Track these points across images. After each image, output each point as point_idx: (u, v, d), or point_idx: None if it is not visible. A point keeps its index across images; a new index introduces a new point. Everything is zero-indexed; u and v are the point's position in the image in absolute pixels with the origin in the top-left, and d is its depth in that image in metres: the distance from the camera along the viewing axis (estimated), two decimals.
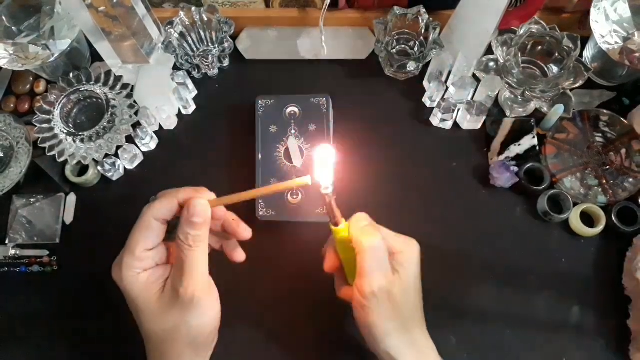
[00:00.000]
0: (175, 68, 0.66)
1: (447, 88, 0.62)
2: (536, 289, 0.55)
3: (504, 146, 0.60)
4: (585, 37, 0.62)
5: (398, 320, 0.43)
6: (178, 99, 0.64)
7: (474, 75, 0.62)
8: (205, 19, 0.64)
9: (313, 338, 0.54)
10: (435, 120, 0.63)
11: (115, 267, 0.42)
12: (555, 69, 0.60)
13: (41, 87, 0.69)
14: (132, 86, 0.64)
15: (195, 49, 0.67)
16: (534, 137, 0.60)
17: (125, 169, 0.63)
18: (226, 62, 0.68)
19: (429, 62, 0.65)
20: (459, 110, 0.61)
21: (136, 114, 0.62)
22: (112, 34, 0.61)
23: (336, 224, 0.43)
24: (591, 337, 0.53)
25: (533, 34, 0.58)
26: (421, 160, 0.62)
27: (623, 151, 0.59)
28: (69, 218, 0.61)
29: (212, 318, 0.43)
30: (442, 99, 0.62)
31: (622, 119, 0.60)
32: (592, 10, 0.59)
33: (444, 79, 0.64)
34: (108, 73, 0.63)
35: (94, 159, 0.61)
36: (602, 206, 0.57)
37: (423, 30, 0.63)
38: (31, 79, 0.69)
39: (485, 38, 0.59)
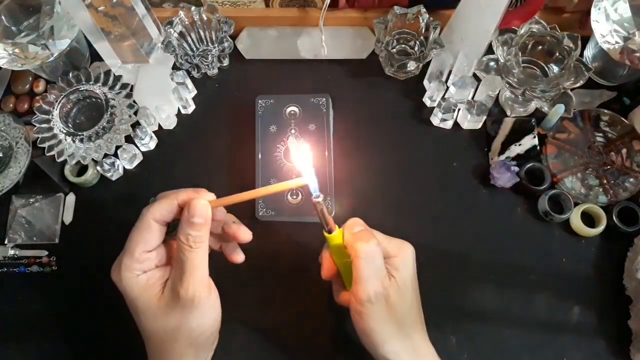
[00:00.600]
0: (175, 68, 0.66)
1: (447, 88, 0.62)
2: (537, 289, 0.55)
3: (505, 146, 0.60)
4: (586, 37, 0.62)
5: (396, 325, 0.43)
6: (177, 98, 0.63)
7: (474, 75, 0.62)
8: (205, 18, 0.64)
9: (313, 338, 0.54)
10: (435, 119, 0.63)
11: (115, 268, 0.42)
12: (555, 68, 0.60)
13: (40, 86, 0.69)
14: (132, 86, 0.64)
15: (194, 48, 0.67)
16: (534, 136, 0.60)
17: (124, 168, 0.63)
18: (226, 62, 0.68)
19: (429, 61, 0.65)
20: (459, 109, 0.61)
21: (135, 113, 0.62)
22: (111, 34, 0.61)
23: (329, 231, 0.43)
24: (591, 337, 0.53)
25: (533, 33, 0.58)
26: (421, 160, 0.62)
27: (624, 151, 0.59)
28: (68, 218, 0.61)
29: (213, 319, 0.43)
30: (443, 98, 0.62)
31: (622, 118, 0.60)
32: (593, 10, 0.59)
33: (444, 78, 0.64)
34: (107, 73, 0.63)
35: (93, 159, 0.61)
36: (603, 206, 0.57)
37: (423, 30, 0.63)
38: (30, 78, 0.69)
39: (486, 37, 0.59)
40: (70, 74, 0.63)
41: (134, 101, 0.63)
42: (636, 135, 0.59)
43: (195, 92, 0.67)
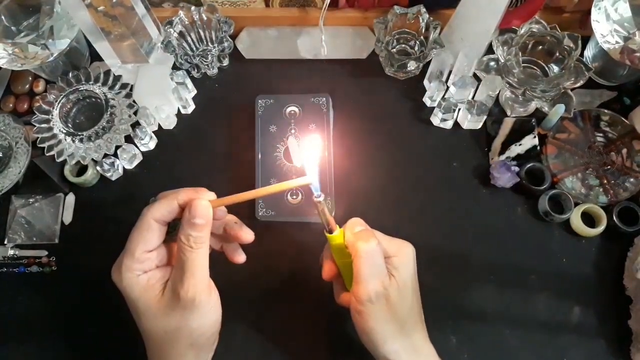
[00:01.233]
0: (175, 67, 0.66)
1: (447, 87, 0.62)
2: (537, 289, 0.55)
3: (505, 146, 0.60)
4: (586, 37, 0.62)
5: (396, 324, 0.43)
6: (177, 98, 0.63)
7: (474, 75, 0.62)
8: (205, 18, 0.64)
9: (313, 338, 0.54)
10: (435, 119, 0.63)
11: (115, 269, 0.42)
12: (556, 68, 0.60)
13: (40, 86, 0.69)
14: (132, 86, 0.64)
15: (194, 48, 0.67)
16: (534, 136, 0.60)
17: (124, 168, 0.63)
18: (226, 62, 0.68)
19: (430, 61, 0.65)
20: (459, 109, 0.61)
21: (135, 113, 0.62)
22: (111, 34, 0.61)
23: (330, 231, 0.43)
24: (592, 338, 0.53)
25: (534, 33, 0.58)
26: (422, 160, 0.62)
27: (624, 151, 0.59)
28: (67, 218, 0.61)
29: (213, 320, 0.43)
30: (443, 98, 0.62)
31: (623, 118, 0.60)
32: (593, 10, 0.59)
33: (444, 78, 0.64)
34: (107, 73, 0.63)
35: (93, 159, 0.61)
36: (603, 206, 0.57)
37: (423, 30, 0.63)
38: (30, 78, 0.69)
39: (486, 37, 0.59)
40: (70, 74, 0.63)
41: (134, 101, 0.63)
42: (636, 135, 0.59)
43: (195, 92, 0.66)
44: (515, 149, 0.60)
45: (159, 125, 0.65)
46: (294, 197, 0.58)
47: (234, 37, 0.69)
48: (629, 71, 0.60)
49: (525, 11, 0.60)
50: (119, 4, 0.58)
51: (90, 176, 0.61)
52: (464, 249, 0.57)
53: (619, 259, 0.56)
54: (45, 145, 0.60)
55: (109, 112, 0.60)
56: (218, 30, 0.64)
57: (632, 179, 0.57)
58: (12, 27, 0.63)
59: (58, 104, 0.61)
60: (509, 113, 0.63)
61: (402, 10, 0.62)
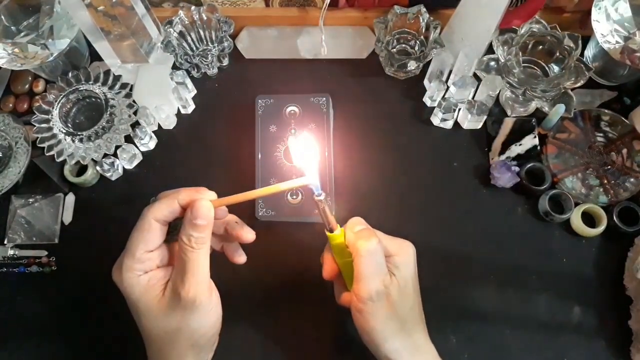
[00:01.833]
0: (175, 67, 0.66)
1: (447, 87, 0.62)
2: (537, 289, 0.55)
3: (505, 146, 0.60)
4: (586, 37, 0.62)
5: (397, 323, 0.43)
6: (177, 98, 0.63)
7: (474, 75, 0.62)
8: (205, 18, 0.64)
9: (313, 338, 0.54)
10: (435, 119, 0.63)
11: (116, 269, 0.42)
12: (556, 68, 0.60)
13: (40, 86, 0.68)
14: (131, 86, 0.64)
15: (194, 48, 0.67)
16: (535, 136, 0.60)
17: (124, 168, 0.63)
18: (226, 62, 0.68)
19: (430, 61, 0.65)
20: (459, 109, 0.61)
21: (135, 113, 0.62)
22: (111, 34, 0.61)
23: (331, 230, 0.43)
24: (592, 338, 0.53)
25: (534, 33, 0.58)
26: (422, 160, 0.61)
27: (624, 151, 0.59)
28: (67, 218, 0.61)
29: (214, 320, 0.43)
30: (443, 98, 0.62)
31: (623, 118, 0.60)
32: (593, 10, 0.58)
33: (444, 78, 0.64)
34: (107, 72, 0.63)
35: (92, 159, 0.61)
36: (604, 206, 0.57)
37: (423, 30, 0.63)
38: (30, 78, 0.69)
39: (486, 37, 0.59)
40: (70, 74, 0.63)
41: (134, 101, 0.63)
42: (637, 135, 0.59)
43: (195, 91, 0.66)
44: (516, 149, 0.60)
45: (159, 125, 0.65)
46: (294, 197, 0.58)
47: (234, 37, 0.69)
48: (629, 71, 0.60)
49: (525, 11, 0.60)
50: (119, 4, 0.57)
51: (90, 176, 0.61)
52: (464, 249, 0.57)
53: (619, 259, 0.56)
54: (45, 145, 0.60)
55: (108, 112, 0.60)
56: (218, 30, 0.64)
57: (632, 179, 0.57)
58: (12, 27, 0.63)
59: (58, 103, 0.61)
60: (509, 113, 0.63)
61: (402, 10, 0.62)
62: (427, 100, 0.64)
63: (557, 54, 0.59)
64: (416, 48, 0.66)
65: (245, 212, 0.57)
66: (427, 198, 0.60)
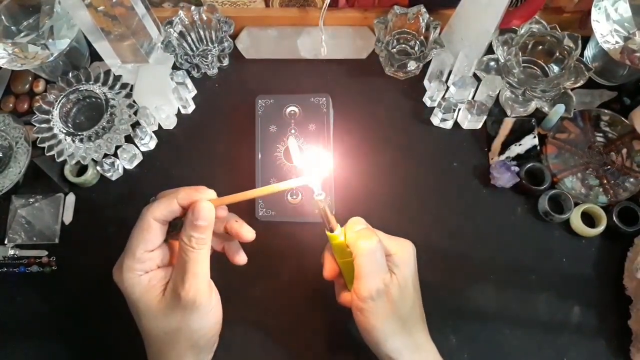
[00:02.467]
0: (175, 67, 0.66)
1: (447, 87, 0.62)
2: (537, 289, 0.55)
3: (505, 146, 0.60)
4: (586, 37, 0.62)
5: (397, 322, 0.43)
6: (177, 98, 0.63)
7: (474, 75, 0.62)
8: (205, 18, 0.64)
9: (313, 338, 0.54)
10: (435, 119, 0.63)
11: (116, 269, 0.42)
12: (556, 68, 0.60)
13: (40, 86, 0.69)
14: (132, 86, 0.64)
15: (194, 48, 0.67)
16: (534, 136, 0.60)
17: (124, 168, 0.63)
18: (226, 62, 0.68)
19: (430, 61, 0.65)
20: (459, 109, 0.61)
21: (135, 113, 0.62)
22: (111, 34, 0.61)
23: (332, 230, 0.43)
24: (592, 338, 0.53)
25: (534, 33, 0.58)
26: (422, 160, 0.62)
27: (624, 151, 0.59)
28: (68, 218, 0.61)
29: (214, 321, 0.43)
30: (443, 98, 0.62)
31: (623, 118, 0.60)
32: (593, 10, 0.58)
33: (444, 78, 0.64)
34: (107, 73, 0.63)
35: (93, 159, 0.61)
36: (603, 206, 0.57)
37: (423, 30, 0.63)
38: (30, 78, 0.69)
39: (486, 37, 0.59)
40: (70, 74, 0.63)
41: (134, 101, 0.63)
42: (636, 135, 0.59)
43: (195, 92, 0.66)
44: (515, 149, 0.60)
45: (159, 125, 0.65)
46: (294, 197, 0.58)
47: (234, 37, 0.69)
48: (629, 71, 0.60)
49: (525, 11, 0.60)
50: (119, 4, 0.58)
51: (90, 176, 0.61)
52: (464, 248, 0.57)
53: (618, 259, 0.56)
54: (46, 145, 0.60)
55: (109, 112, 0.60)
56: (218, 30, 0.64)
57: (632, 179, 0.57)
58: (12, 27, 0.63)
59: (58, 104, 0.61)
60: (509, 113, 0.63)
61: (402, 10, 0.62)
62: (427, 100, 0.64)
63: (557, 54, 0.59)
64: (416, 48, 0.66)
65: (245, 212, 0.57)
66: (426, 198, 0.60)
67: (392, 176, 0.61)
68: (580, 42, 0.56)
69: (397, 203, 0.59)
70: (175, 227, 0.43)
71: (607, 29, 0.58)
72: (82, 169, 0.62)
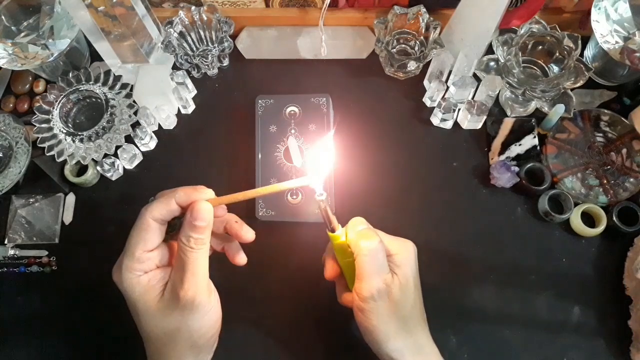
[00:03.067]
0: (175, 68, 0.66)
1: (447, 87, 0.62)
2: (537, 289, 0.55)
3: (505, 146, 0.60)
4: (586, 37, 0.62)
5: (399, 322, 0.43)
6: (177, 98, 0.63)
7: (474, 75, 0.62)
8: (205, 18, 0.64)
9: (313, 338, 0.54)
10: (435, 119, 0.63)
11: (116, 269, 0.42)
12: (556, 68, 0.60)
13: (40, 86, 0.69)
14: (132, 86, 0.64)
15: (194, 48, 0.67)
16: (534, 136, 0.60)
17: (124, 168, 0.63)
18: (226, 62, 0.68)
19: (430, 61, 0.65)
20: (459, 109, 0.61)
21: (135, 113, 0.62)
22: (111, 34, 0.61)
23: (333, 230, 0.43)
24: (592, 337, 0.53)
25: (534, 33, 0.58)
26: (422, 160, 0.62)
27: (624, 151, 0.59)
28: (68, 218, 0.61)
29: (213, 321, 0.43)
30: (443, 98, 0.62)
31: (623, 118, 0.60)
32: (593, 10, 0.59)
33: (444, 78, 0.64)
34: (107, 73, 0.63)
35: (93, 159, 0.61)
36: (603, 206, 0.57)
37: (423, 30, 0.63)
38: (30, 78, 0.69)
39: (486, 37, 0.59)
40: (70, 74, 0.63)
41: (134, 101, 0.63)
42: (636, 135, 0.59)
43: (195, 92, 0.67)
44: (515, 149, 0.60)
45: (159, 125, 0.65)
46: (294, 197, 0.58)
47: (234, 37, 0.69)
48: (628, 71, 0.60)
49: (525, 11, 0.60)
50: (119, 4, 0.58)
51: (90, 176, 0.61)
52: (464, 248, 0.57)
53: (618, 259, 0.56)
54: (46, 145, 0.60)
55: (109, 112, 0.60)
56: (218, 30, 0.64)
57: (631, 179, 0.57)
58: (13, 27, 0.63)
59: (58, 104, 0.61)
60: (508, 113, 0.63)
61: (402, 10, 0.62)
62: (427, 100, 0.64)
63: (557, 54, 0.59)
64: (416, 48, 0.66)
65: (246, 212, 0.58)
66: (427, 198, 0.60)
67: (392, 176, 0.61)
68: (580, 42, 0.56)
69: (397, 203, 0.59)
70: (174, 228, 0.43)
71: (607, 29, 0.58)
72: (82, 169, 0.62)
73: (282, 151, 0.59)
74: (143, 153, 0.64)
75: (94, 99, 0.64)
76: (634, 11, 0.58)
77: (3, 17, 0.62)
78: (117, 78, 0.63)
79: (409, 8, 0.62)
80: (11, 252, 0.59)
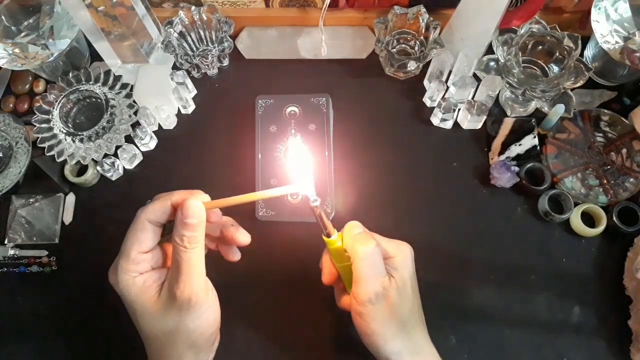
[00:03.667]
0: (175, 68, 0.66)
1: (447, 87, 0.62)
2: (537, 289, 0.55)
3: (505, 146, 0.60)
4: (586, 37, 0.62)
5: (397, 325, 0.43)
6: (177, 98, 0.63)
7: (474, 75, 0.62)
8: (205, 18, 0.64)
9: (313, 338, 0.54)
10: (435, 119, 0.63)
11: (111, 271, 0.42)
12: (556, 68, 0.60)
13: (40, 86, 0.69)
14: (132, 86, 0.64)
15: (194, 48, 0.67)
16: (534, 136, 0.60)
17: (124, 168, 0.63)
18: (226, 62, 0.68)
19: (430, 61, 0.65)
20: (459, 109, 0.61)
21: (135, 113, 0.62)
22: (111, 34, 0.61)
23: (328, 235, 0.43)
24: (592, 337, 0.53)
25: (534, 33, 0.58)
26: (422, 160, 0.62)
27: (624, 151, 0.59)
28: (68, 218, 0.61)
29: (211, 320, 0.42)
30: (443, 98, 0.62)
31: (623, 118, 0.60)
32: (593, 10, 0.58)
33: (444, 78, 0.64)
34: (107, 73, 0.63)
35: (93, 159, 0.61)
36: (603, 206, 0.57)
37: (423, 30, 0.63)
38: (30, 78, 0.69)
39: (486, 37, 0.59)
40: (70, 74, 0.63)
41: (134, 101, 0.63)
42: (636, 135, 0.59)
43: (195, 92, 0.67)
44: (515, 149, 0.60)
45: (159, 125, 0.65)
46: (294, 197, 0.58)
47: (234, 37, 0.69)
48: (629, 71, 0.60)
49: (525, 11, 0.60)
50: (119, 4, 0.58)
51: (90, 176, 0.61)
52: (464, 249, 0.57)
53: (618, 259, 0.56)
54: (46, 145, 0.60)
55: (109, 112, 0.60)
56: (218, 30, 0.64)
57: (631, 179, 0.57)
58: (13, 27, 0.63)
59: (58, 104, 0.61)
60: (509, 113, 0.63)
61: (402, 10, 0.62)
62: (427, 100, 0.64)
63: (557, 54, 0.59)
64: (416, 48, 0.66)
65: (245, 212, 0.58)
66: (427, 198, 0.60)
67: (392, 176, 0.61)
68: (580, 42, 0.56)
69: (397, 203, 0.59)
70: (170, 230, 0.43)
71: (607, 29, 0.58)
72: (82, 169, 0.62)
73: (282, 151, 0.59)
74: (143, 153, 0.64)
75: (94, 99, 0.64)
76: (634, 11, 0.58)
77: (3, 17, 0.62)
78: (117, 78, 0.63)
79: (409, 8, 0.62)
80: (11, 252, 0.59)
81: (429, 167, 0.61)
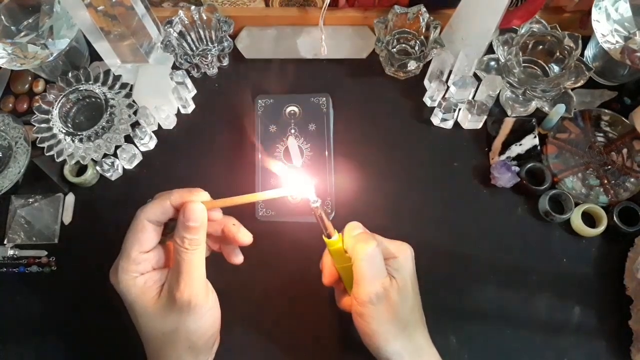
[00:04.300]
0: (175, 67, 0.66)
1: (447, 87, 0.62)
2: (537, 289, 0.55)
3: (505, 146, 0.60)
4: (587, 37, 0.62)
5: (398, 325, 0.43)
6: (177, 98, 0.63)
7: (475, 75, 0.62)
8: (205, 17, 0.64)
9: (313, 338, 0.54)
10: (436, 119, 0.63)
11: (112, 271, 0.42)
12: (556, 68, 0.60)
13: (40, 86, 0.68)
14: (131, 85, 0.64)
15: (194, 48, 0.67)
16: (535, 136, 0.60)
17: (124, 168, 0.63)
18: (226, 62, 0.68)
19: (430, 61, 0.65)
20: (459, 109, 0.61)
21: (135, 113, 0.62)
22: (111, 34, 0.61)
23: (329, 236, 0.43)
24: (592, 338, 0.53)
25: (534, 33, 0.58)
26: (422, 160, 0.61)
27: (624, 151, 0.59)
28: (67, 218, 0.61)
29: (211, 322, 0.42)
30: (443, 98, 0.62)
31: (623, 118, 0.60)
32: (594, 10, 0.58)
33: (444, 78, 0.64)
34: (107, 72, 0.63)
35: (92, 159, 0.61)
36: (604, 206, 0.57)
37: (424, 29, 0.63)
38: (30, 78, 0.69)
39: (487, 37, 0.59)
40: (70, 74, 0.63)
41: (134, 101, 0.63)
42: (637, 135, 0.59)
43: (195, 91, 0.66)
44: (516, 149, 0.60)
45: (159, 125, 0.65)
46: (294, 197, 0.58)
47: (234, 36, 0.69)
48: (629, 71, 0.60)
49: (525, 11, 0.60)
50: (118, 4, 0.57)
51: (90, 176, 0.61)
52: (464, 249, 0.57)
53: (619, 259, 0.56)
54: (45, 145, 0.60)
55: (108, 112, 0.60)
56: (218, 30, 0.64)
57: (632, 179, 0.57)
58: (12, 27, 0.63)
59: (58, 103, 0.61)
60: (509, 113, 0.63)
61: (402, 10, 0.62)
62: (427, 100, 0.64)
63: (557, 54, 0.59)
64: (416, 48, 0.66)
65: (246, 212, 0.57)
66: (427, 198, 0.60)
67: (392, 176, 0.61)
68: (580, 42, 0.56)
69: (397, 203, 0.59)
70: (173, 229, 0.43)
71: (607, 29, 0.58)
72: (81, 169, 0.61)
73: (282, 151, 0.59)
74: (143, 153, 0.64)
75: (93, 99, 0.63)
76: (635, 11, 0.58)
77: (2, 16, 0.62)
78: (117, 78, 0.63)
79: (409, 8, 0.62)
80: (11, 252, 0.59)
81: (429, 167, 0.61)
